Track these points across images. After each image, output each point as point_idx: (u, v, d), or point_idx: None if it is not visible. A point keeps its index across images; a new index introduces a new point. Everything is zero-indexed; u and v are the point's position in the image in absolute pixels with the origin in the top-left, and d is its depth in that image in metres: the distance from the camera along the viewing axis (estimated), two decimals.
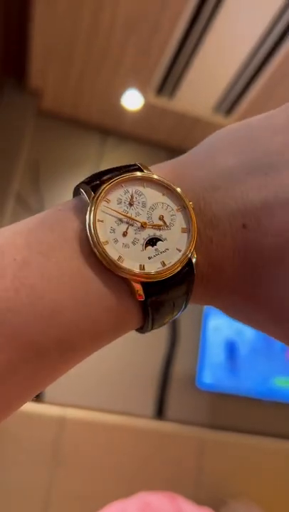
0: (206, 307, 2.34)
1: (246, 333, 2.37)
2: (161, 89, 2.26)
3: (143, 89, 2.28)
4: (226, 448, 2.17)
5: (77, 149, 2.56)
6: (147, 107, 2.40)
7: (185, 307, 0.22)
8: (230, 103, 2.27)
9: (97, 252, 0.20)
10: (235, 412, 2.36)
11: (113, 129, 2.62)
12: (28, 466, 1.93)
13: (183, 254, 0.21)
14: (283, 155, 0.21)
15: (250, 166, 0.21)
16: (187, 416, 2.28)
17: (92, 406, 2.15)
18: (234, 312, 0.24)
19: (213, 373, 2.29)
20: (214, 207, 0.21)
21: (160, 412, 2.28)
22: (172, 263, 0.20)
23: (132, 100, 2.36)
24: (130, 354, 2.28)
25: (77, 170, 2.48)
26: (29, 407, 2.00)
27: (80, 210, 0.21)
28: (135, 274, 0.20)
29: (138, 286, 0.20)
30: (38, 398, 2.11)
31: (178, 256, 0.21)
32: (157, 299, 0.20)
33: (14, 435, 1.94)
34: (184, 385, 2.33)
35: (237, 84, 2.15)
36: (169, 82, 2.20)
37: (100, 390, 2.22)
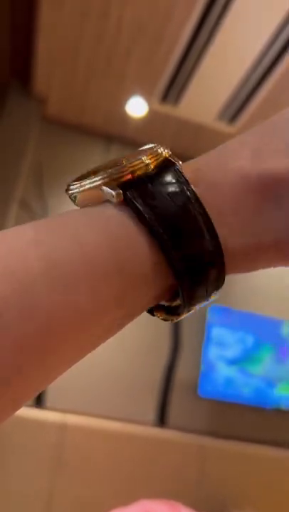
0: (208, 314, 2.33)
1: (248, 341, 2.36)
2: (165, 97, 2.27)
3: (147, 97, 2.29)
4: (227, 456, 2.15)
5: (81, 155, 2.57)
6: (151, 114, 2.40)
7: (200, 210, 0.20)
8: (234, 111, 2.28)
9: (80, 189, 0.21)
10: (236, 421, 2.35)
11: (117, 135, 2.62)
12: (29, 472, 1.92)
13: (149, 151, 0.21)
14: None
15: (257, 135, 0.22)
16: (188, 424, 2.27)
17: (94, 412, 2.14)
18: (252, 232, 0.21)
19: (214, 381, 2.28)
20: (218, 156, 0.22)
21: (162, 420, 2.27)
22: (139, 160, 0.21)
23: (137, 107, 2.37)
24: (132, 361, 2.27)
25: None
26: (30, 413, 1.99)
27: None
28: (104, 176, 0.20)
29: (114, 187, 0.20)
30: (39, 404, 2.11)
31: (144, 156, 0.21)
32: (145, 198, 0.20)
33: (15, 441, 1.93)
34: (186, 392, 2.32)
35: (241, 92, 2.15)
36: (174, 89, 2.21)
37: (101, 396, 2.21)
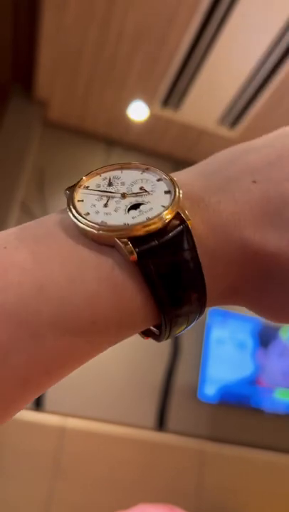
0: (208, 318, 2.33)
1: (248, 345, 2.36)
2: (166, 101, 2.28)
3: (149, 101, 2.29)
4: (227, 460, 2.15)
5: (82, 159, 2.58)
6: (153, 118, 2.41)
7: (199, 278, 0.19)
8: (235, 116, 2.29)
9: (79, 223, 0.19)
10: (236, 425, 2.34)
11: (119, 139, 2.63)
12: (27, 475, 1.92)
13: (168, 207, 0.19)
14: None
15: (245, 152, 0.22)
16: (188, 428, 2.27)
17: (93, 416, 2.14)
18: (256, 287, 0.21)
19: (214, 385, 2.28)
20: (216, 183, 0.21)
21: (161, 424, 2.26)
22: (157, 215, 0.19)
23: (138, 111, 2.38)
24: (132, 365, 2.27)
25: None
26: (29, 416, 1.99)
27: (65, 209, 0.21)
28: (120, 229, 0.19)
29: (126, 243, 0.18)
30: (38, 407, 2.11)
31: (162, 209, 0.19)
32: (155, 261, 0.18)
33: (14, 444, 1.93)
34: (186, 396, 2.32)
35: (242, 97, 2.16)
36: (175, 94, 2.22)
37: (101, 400, 2.21)
